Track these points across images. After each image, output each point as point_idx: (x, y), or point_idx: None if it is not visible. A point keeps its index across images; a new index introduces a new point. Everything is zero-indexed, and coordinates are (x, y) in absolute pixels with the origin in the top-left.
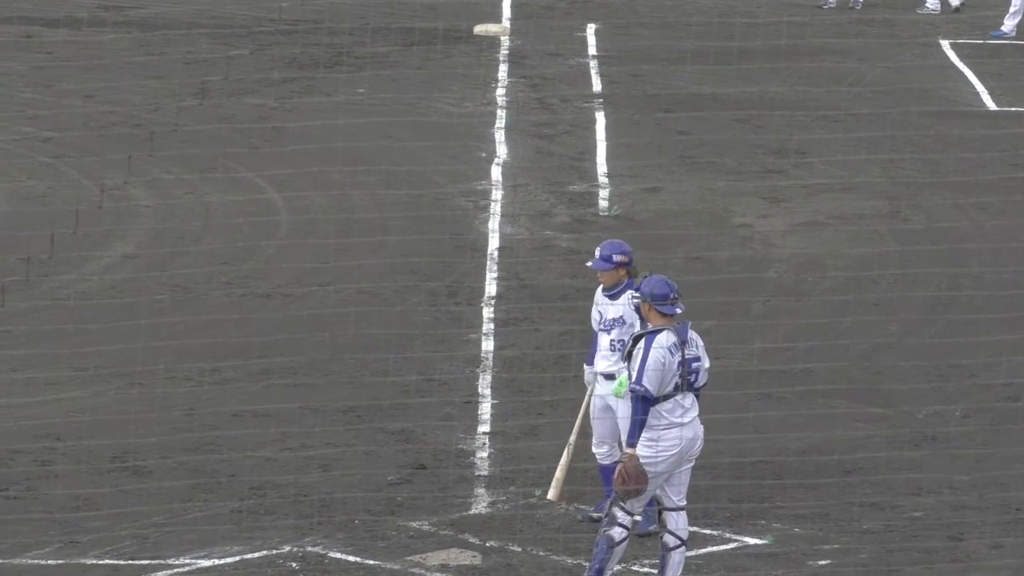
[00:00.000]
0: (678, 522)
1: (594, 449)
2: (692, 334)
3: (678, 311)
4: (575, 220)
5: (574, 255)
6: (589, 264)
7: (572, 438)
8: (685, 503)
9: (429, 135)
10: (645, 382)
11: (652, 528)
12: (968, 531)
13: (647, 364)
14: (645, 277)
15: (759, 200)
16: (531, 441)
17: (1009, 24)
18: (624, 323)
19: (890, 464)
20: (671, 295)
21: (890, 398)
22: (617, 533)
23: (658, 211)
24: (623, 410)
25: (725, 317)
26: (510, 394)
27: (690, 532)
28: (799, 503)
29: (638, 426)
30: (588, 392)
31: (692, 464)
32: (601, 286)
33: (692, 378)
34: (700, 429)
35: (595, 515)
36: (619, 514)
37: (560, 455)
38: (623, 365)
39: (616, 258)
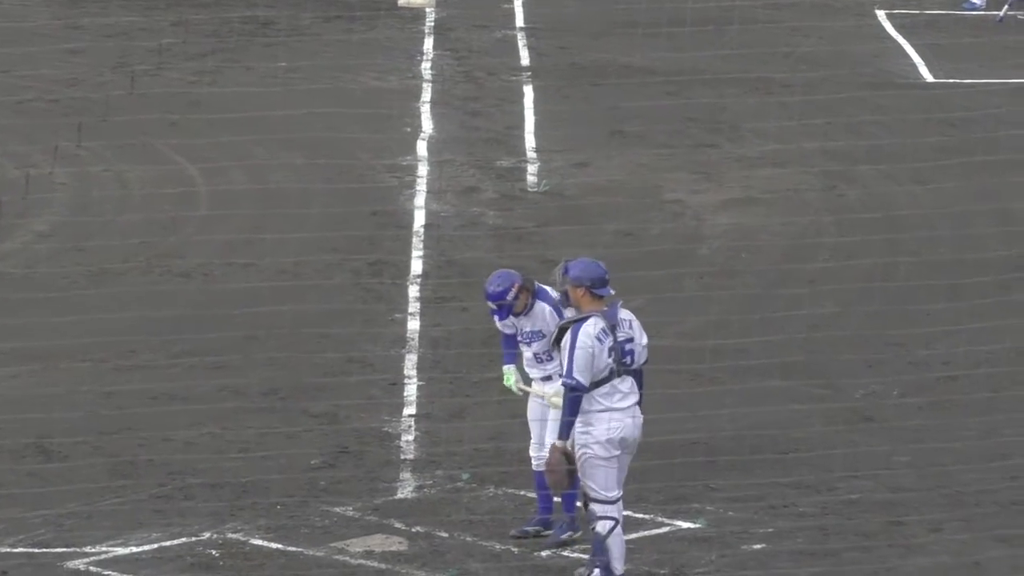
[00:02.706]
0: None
1: (532, 452)
2: (623, 313)
3: (611, 291)
4: (503, 196)
5: (502, 232)
6: (497, 320)
7: (542, 390)
8: (620, 492)
9: (353, 109)
10: (576, 374)
11: (567, 536)
12: (907, 513)
13: (575, 356)
14: (567, 261)
15: (691, 174)
16: (458, 423)
17: None
18: (543, 336)
19: (826, 444)
20: (606, 275)
21: (827, 376)
22: (603, 527)
23: (587, 186)
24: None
25: (656, 294)
26: (436, 375)
27: (623, 516)
28: (733, 485)
29: (566, 425)
30: (518, 389)
31: (631, 456)
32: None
33: (627, 360)
34: (639, 417)
35: (530, 530)
36: (597, 508)
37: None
38: (553, 367)
39: (510, 295)
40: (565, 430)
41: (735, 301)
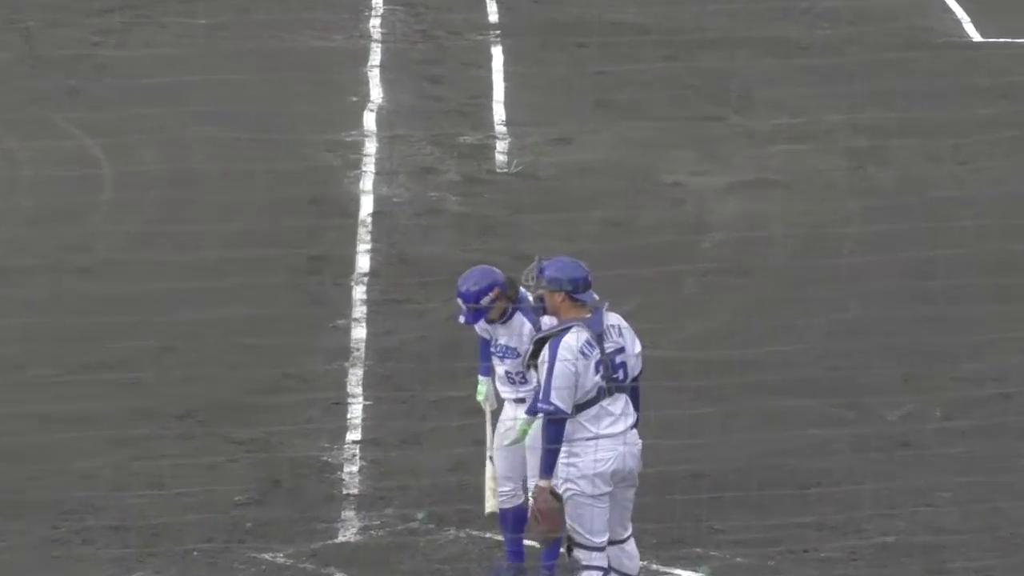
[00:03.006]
0: (623, 558)
1: (498, 487)
2: (610, 318)
3: (596, 296)
4: (467, 179)
5: (466, 221)
6: (461, 319)
7: (490, 452)
8: (629, 531)
9: (287, 74)
10: (555, 399)
11: None
12: (951, 558)
13: (554, 376)
14: (542, 261)
15: (692, 153)
16: (412, 451)
17: None
18: (517, 355)
19: (854, 476)
20: (588, 277)
21: (854, 394)
22: None
23: (568, 166)
24: (534, 436)
25: (651, 296)
26: (387, 393)
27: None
28: (743, 526)
29: (550, 456)
30: (488, 411)
31: (633, 487)
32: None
33: (619, 375)
34: (636, 444)
35: None
36: (580, 555)
37: (479, 473)
38: (528, 390)
39: (485, 299)
40: (548, 466)
41: (745, 304)
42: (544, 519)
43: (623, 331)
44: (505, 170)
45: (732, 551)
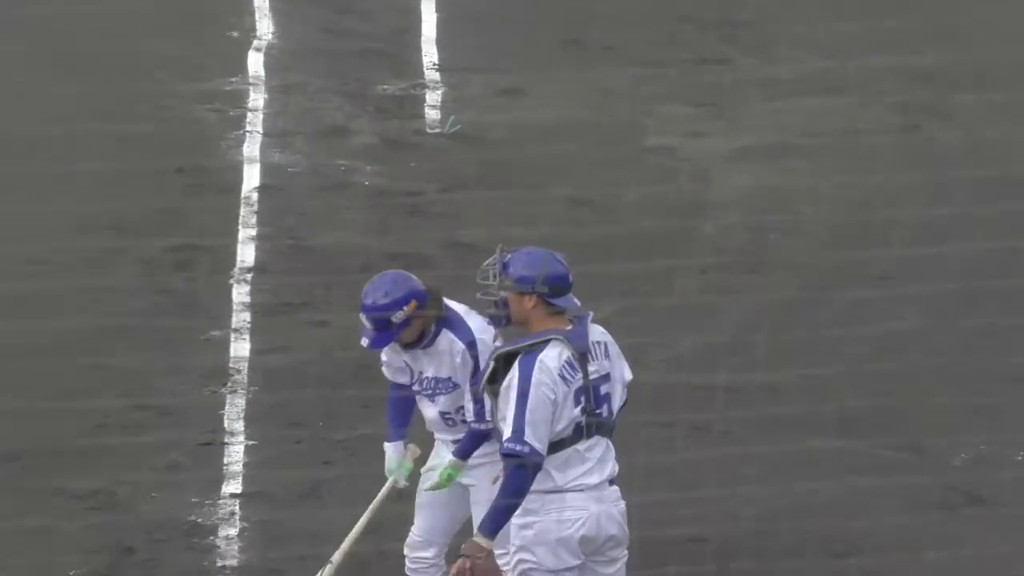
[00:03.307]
0: None
1: (412, 552)
2: (595, 333)
3: (578, 302)
4: (386, 142)
5: (384, 200)
6: (364, 342)
7: (337, 556)
8: None
9: (144, 4)
10: (530, 438)
11: None
12: None
13: (528, 407)
14: (505, 253)
15: (689, 107)
16: (312, 508)
17: None
18: (453, 387)
19: (908, 541)
20: (569, 276)
21: (907, 431)
22: None
23: (522, 126)
24: (482, 489)
25: (634, 300)
26: (277, 430)
27: None
28: None
29: (506, 513)
30: (388, 482)
31: (619, 563)
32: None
33: (602, 411)
34: (618, 503)
35: None
36: None
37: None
38: (460, 429)
39: (398, 315)
40: (498, 524)
41: (759, 311)
42: None
43: (609, 351)
44: (438, 130)
45: None
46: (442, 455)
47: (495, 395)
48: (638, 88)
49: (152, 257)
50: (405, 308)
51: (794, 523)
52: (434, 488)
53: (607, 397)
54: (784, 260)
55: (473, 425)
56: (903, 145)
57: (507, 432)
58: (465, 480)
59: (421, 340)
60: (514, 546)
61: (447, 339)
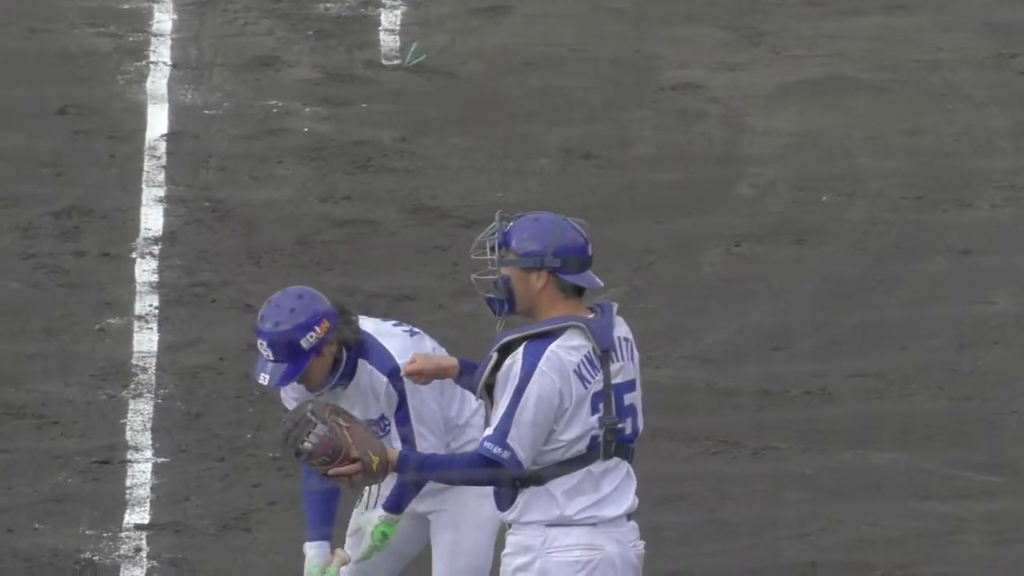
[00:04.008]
0: None
1: None
2: (620, 326)
3: (599, 282)
4: (331, 77)
5: (329, 150)
6: (263, 379)
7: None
8: None
9: None
10: (513, 442)
11: None
12: None
13: (523, 404)
14: (506, 219)
15: (717, 31)
16: (238, 542)
17: None
18: (387, 423)
19: None
20: (588, 247)
21: (992, 445)
22: None
23: (503, 57)
24: (450, 516)
25: (646, 279)
26: (193, 443)
27: None
28: None
29: (403, 496)
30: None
31: None
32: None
33: (625, 427)
34: (637, 544)
35: None
36: None
37: None
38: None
39: (308, 338)
40: (394, 505)
41: (805, 292)
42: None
43: (634, 352)
44: (397, 62)
45: None
46: (367, 512)
47: (487, 395)
48: (653, 7)
49: (30, 224)
50: (317, 329)
51: (853, 558)
52: (368, 556)
53: (631, 410)
54: (839, 228)
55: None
56: (993, 80)
57: (489, 428)
58: (422, 508)
59: (333, 376)
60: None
61: (366, 371)
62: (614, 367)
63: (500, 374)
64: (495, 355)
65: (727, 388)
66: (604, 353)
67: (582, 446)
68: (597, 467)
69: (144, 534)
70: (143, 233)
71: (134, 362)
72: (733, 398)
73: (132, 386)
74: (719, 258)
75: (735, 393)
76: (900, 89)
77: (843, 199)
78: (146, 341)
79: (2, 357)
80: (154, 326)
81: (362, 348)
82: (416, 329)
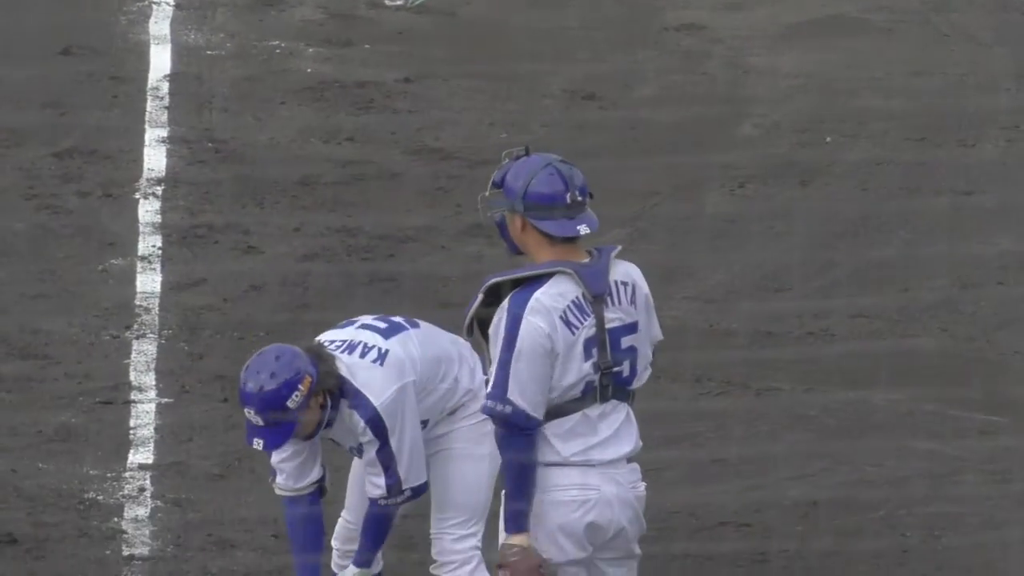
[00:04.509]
0: None
1: (344, 545)
2: (619, 270)
3: (582, 231)
4: (333, 17)
5: (330, 92)
6: (261, 447)
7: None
8: None
9: None
10: (514, 395)
11: None
12: None
13: (516, 356)
14: (509, 160)
15: None
16: (241, 483)
17: None
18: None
19: (994, 520)
20: (565, 194)
21: (995, 385)
22: None
23: None
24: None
25: (648, 220)
26: (196, 384)
27: None
28: None
29: (513, 494)
30: None
31: (630, 563)
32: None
33: (622, 370)
34: (638, 486)
35: None
36: None
37: None
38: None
39: (294, 398)
40: (514, 505)
41: (810, 234)
42: None
43: (637, 297)
44: (400, 2)
45: None
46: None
47: (484, 344)
48: None
49: (33, 165)
50: (300, 387)
51: (851, 500)
52: None
53: (630, 352)
54: (844, 169)
55: (382, 503)
56: (997, 21)
57: (488, 386)
58: (425, 451)
59: (322, 423)
60: (505, 532)
61: (346, 412)
62: (610, 312)
63: (490, 330)
64: (480, 296)
65: (729, 328)
66: (596, 298)
67: (577, 391)
68: (593, 411)
69: (148, 474)
70: (146, 174)
71: (137, 302)
72: (735, 338)
73: (135, 326)
74: (722, 198)
75: (737, 333)
76: (904, 30)
77: (846, 139)
78: (149, 282)
79: (5, 297)
80: (157, 267)
81: (343, 391)
82: (383, 347)
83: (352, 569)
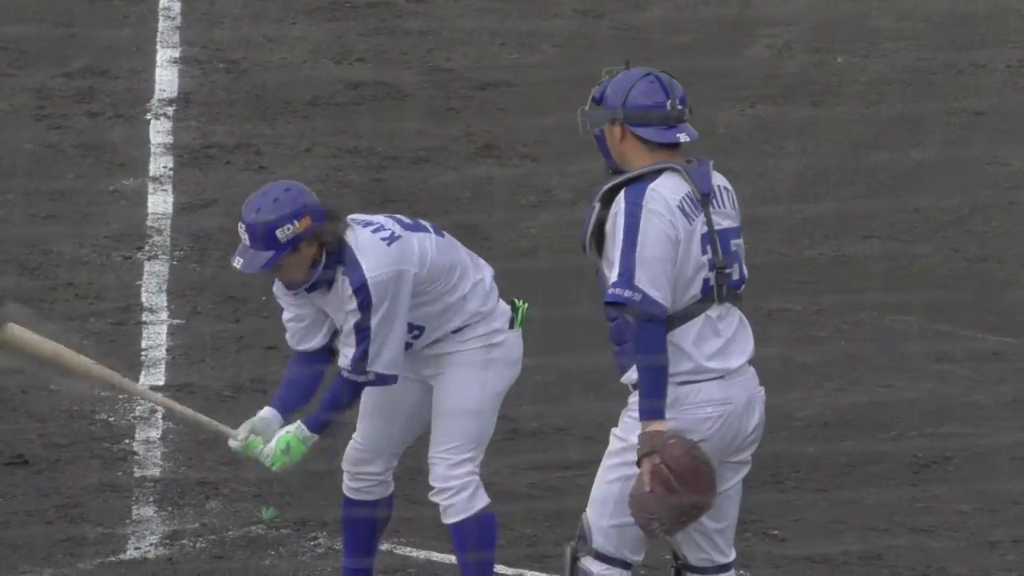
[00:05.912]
0: None
1: (354, 467)
2: (719, 178)
3: (682, 138)
4: None
5: (341, 11)
6: (237, 263)
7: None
8: (732, 554)
9: None
10: (641, 283)
11: None
12: None
13: (640, 242)
14: (609, 76)
15: None
16: (253, 404)
17: None
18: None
19: (1010, 444)
20: (666, 101)
21: (1010, 311)
22: None
23: None
24: (453, 398)
25: None
26: (208, 306)
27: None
28: (818, 523)
29: (656, 377)
30: (232, 440)
31: (746, 466)
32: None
33: (732, 272)
34: (758, 389)
35: None
36: (592, 569)
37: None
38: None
39: (285, 231)
40: (656, 393)
41: (823, 154)
42: (684, 478)
43: (733, 202)
44: None
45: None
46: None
47: (597, 250)
48: None
49: (44, 85)
50: (296, 223)
51: (863, 421)
52: (260, 459)
53: (737, 256)
54: (856, 89)
55: (344, 374)
56: None
57: (613, 275)
58: (426, 372)
59: (310, 277)
60: (620, 447)
61: (340, 279)
62: (716, 214)
63: (608, 227)
64: (597, 205)
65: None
66: (704, 197)
67: (697, 289)
68: (713, 311)
69: (159, 395)
70: (157, 94)
71: (149, 224)
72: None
73: (147, 248)
74: (734, 119)
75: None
76: None
77: (858, 60)
78: (160, 203)
79: (16, 219)
80: (168, 188)
81: (341, 256)
82: (398, 233)
83: (300, 426)
